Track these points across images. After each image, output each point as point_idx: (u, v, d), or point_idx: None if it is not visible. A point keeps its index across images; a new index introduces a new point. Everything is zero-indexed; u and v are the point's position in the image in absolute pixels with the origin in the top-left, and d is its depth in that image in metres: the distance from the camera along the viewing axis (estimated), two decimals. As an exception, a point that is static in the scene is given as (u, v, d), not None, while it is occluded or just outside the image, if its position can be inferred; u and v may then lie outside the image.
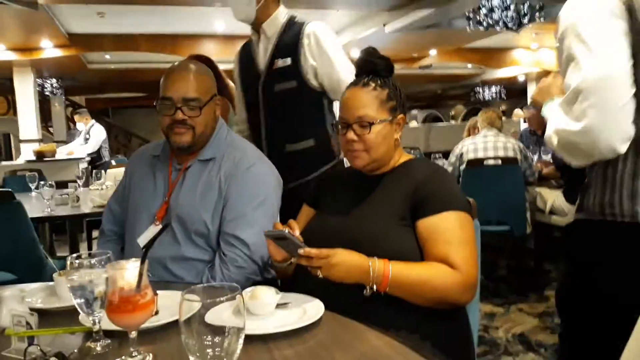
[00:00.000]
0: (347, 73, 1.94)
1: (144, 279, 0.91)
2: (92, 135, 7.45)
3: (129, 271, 0.91)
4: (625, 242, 1.11)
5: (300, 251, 1.15)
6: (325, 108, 2.10)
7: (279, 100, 2.04)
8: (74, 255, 1.00)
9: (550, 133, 1.14)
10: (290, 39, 2.02)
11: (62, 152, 6.99)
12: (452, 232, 1.24)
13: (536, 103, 1.31)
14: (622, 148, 1.03)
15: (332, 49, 2.01)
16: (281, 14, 2.08)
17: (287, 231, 1.18)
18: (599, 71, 1.02)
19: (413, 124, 11.16)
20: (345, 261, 1.15)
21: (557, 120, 1.10)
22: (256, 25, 2.07)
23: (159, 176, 1.64)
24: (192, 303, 0.72)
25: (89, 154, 7.30)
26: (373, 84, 1.35)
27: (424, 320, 1.22)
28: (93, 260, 0.99)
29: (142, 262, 0.91)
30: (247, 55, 2.15)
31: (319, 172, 2.03)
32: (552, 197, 3.91)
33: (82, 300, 0.96)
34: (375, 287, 1.16)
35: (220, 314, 0.80)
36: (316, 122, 2.09)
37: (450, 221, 1.25)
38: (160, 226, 1.56)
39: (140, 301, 0.89)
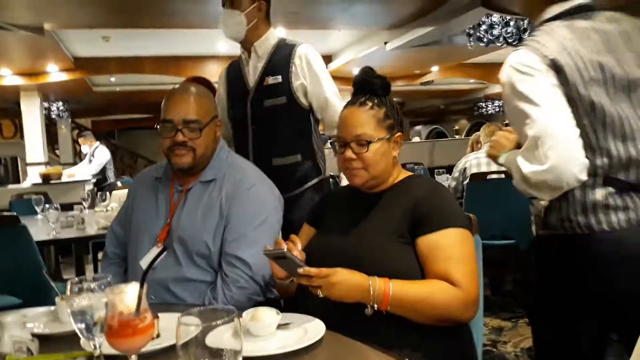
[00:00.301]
0: (333, 94, 2.11)
1: (143, 303, 0.91)
2: (95, 157, 7.50)
3: (129, 295, 0.92)
4: (584, 251, 1.29)
5: (300, 270, 1.15)
6: (312, 125, 2.17)
7: (268, 115, 2.09)
8: (75, 279, 1.00)
9: (519, 178, 1.31)
10: (282, 59, 2.09)
11: (65, 175, 7.04)
12: (452, 248, 1.24)
13: (492, 156, 1.48)
14: (584, 176, 1.23)
15: (322, 71, 2.10)
16: (272, 35, 2.15)
17: (286, 250, 1.17)
18: (549, 120, 1.23)
19: (416, 139, 11.16)
20: (345, 280, 1.15)
21: (523, 167, 1.27)
22: (247, 44, 2.14)
23: (161, 198, 1.65)
24: (189, 327, 0.72)
25: (93, 175, 7.34)
26: (370, 103, 1.36)
27: (426, 339, 1.21)
28: (93, 285, 0.99)
29: (141, 286, 0.91)
30: (235, 73, 2.21)
31: (303, 188, 2.09)
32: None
33: (83, 325, 0.96)
34: (376, 306, 1.16)
35: (221, 337, 0.81)
36: (303, 138, 2.14)
37: (450, 238, 1.25)
38: (162, 247, 1.57)
39: (139, 325, 0.88)
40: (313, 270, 1.14)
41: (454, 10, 4.64)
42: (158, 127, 1.58)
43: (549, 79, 1.25)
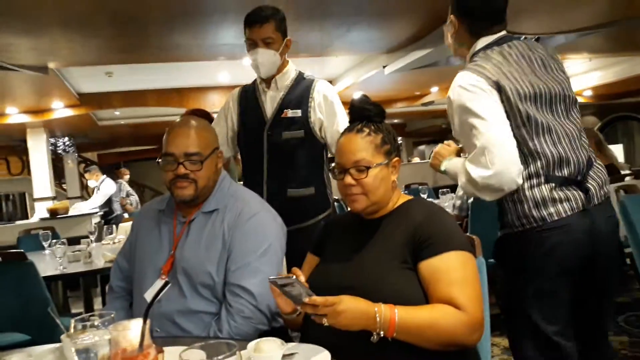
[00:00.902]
0: None
1: (147, 338, 0.92)
2: (100, 190, 7.56)
3: (132, 331, 0.93)
4: (541, 239, 1.51)
5: (306, 299, 1.15)
6: (325, 159, 2.22)
7: (285, 147, 2.13)
8: (78, 317, 1.02)
9: (465, 181, 1.56)
10: (301, 92, 2.16)
11: (74, 210, 7.12)
12: (454, 272, 1.24)
13: (434, 166, 1.76)
14: (520, 179, 1.50)
15: (338, 108, 2.16)
16: (292, 69, 2.22)
17: (294, 278, 1.16)
18: (494, 132, 1.47)
19: (416, 159, 11.15)
20: (351, 308, 1.14)
21: (472, 172, 1.51)
22: (269, 78, 2.19)
23: (164, 230, 1.67)
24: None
25: (100, 208, 7.38)
26: (367, 130, 1.39)
27: None
28: (97, 322, 1.01)
29: (144, 321, 0.92)
30: (251, 101, 2.24)
31: (315, 220, 2.12)
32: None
33: (87, 363, 0.97)
34: (382, 333, 1.15)
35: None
36: (317, 171, 2.19)
37: (452, 261, 1.25)
38: (166, 280, 1.58)
39: (143, 361, 0.90)
40: (319, 299, 1.13)
41: (449, 32, 4.71)
42: (160, 161, 1.61)
43: (493, 97, 1.50)
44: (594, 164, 1.62)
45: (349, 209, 1.47)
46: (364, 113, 1.42)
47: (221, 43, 4.85)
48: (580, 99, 10.13)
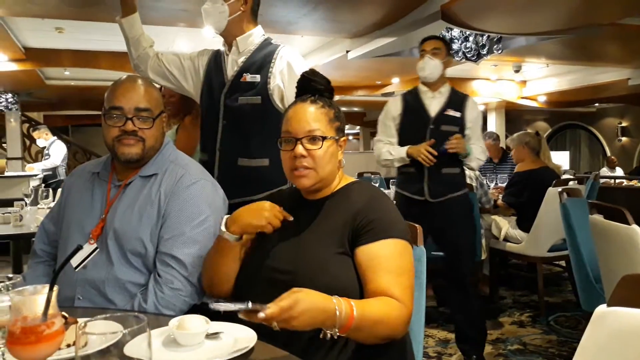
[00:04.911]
0: None
1: (53, 307, 0.84)
2: (52, 153, 7.22)
3: (39, 298, 0.84)
4: None
5: (261, 315, 0.98)
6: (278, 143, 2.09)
7: (241, 112, 2.02)
8: (-21, 279, 0.92)
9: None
10: (262, 57, 2.04)
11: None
12: (392, 260, 1.20)
13: (462, 149, 2.70)
14: None
15: None
16: (258, 34, 2.11)
17: (250, 306, 0.98)
18: None
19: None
20: (310, 308, 1.02)
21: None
22: (229, 38, 2.09)
23: (97, 192, 1.56)
24: (91, 336, 0.66)
25: (43, 171, 7.06)
26: (322, 102, 1.34)
27: (373, 355, 1.18)
28: (0, 286, 0.91)
29: (51, 288, 0.83)
30: (216, 63, 2.14)
31: (264, 194, 1.97)
32: (507, 225, 3.96)
33: (-14, 330, 0.87)
34: (337, 330, 1.05)
35: (139, 346, 0.75)
36: (274, 144, 2.05)
37: (390, 249, 1.21)
38: (95, 245, 1.48)
39: (45, 332, 0.81)
40: (275, 312, 0.98)
41: (415, 21, 4.68)
42: (103, 115, 1.50)
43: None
44: None
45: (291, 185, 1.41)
46: (315, 86, 1.37)
47: (180, 8, 4.65)
48: (534, 104, 10.41)
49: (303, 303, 1.00)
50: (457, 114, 2.79)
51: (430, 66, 2.77)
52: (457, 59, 5.55)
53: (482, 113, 2.96)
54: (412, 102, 2.87)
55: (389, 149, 2.85)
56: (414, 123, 2.84)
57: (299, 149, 1.29)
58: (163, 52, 2.25)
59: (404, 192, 2.87)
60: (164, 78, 2.22)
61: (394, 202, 3.00)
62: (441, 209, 2.76)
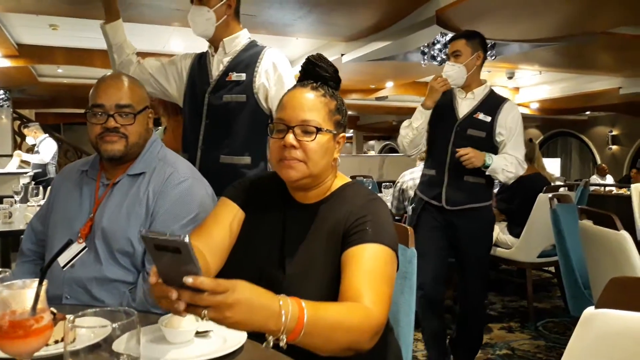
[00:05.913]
0: None
1: (42, 301, 0.83)
2: (41, 150, 7.17)
3: (28, 292, 0.83)
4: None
5: (189, 280, 0.77)
6: (268, 130, 2.09)
7: (224, 110, 2.03)
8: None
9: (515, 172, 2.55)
10: (249, 57, 2.05)
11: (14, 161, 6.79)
12: (374, 263, 1.09)
13: (478, 161, 2.46)
14: None
15: (287, 78, 2.04)
16: (244, 35, 2.11)
17: (188, 240, 0.75)
18: None
19: (372, 153, 11.29)
20: (247, 300, 0.83)
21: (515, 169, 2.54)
22: (215, 42, 2.09)
23: (86, 191, 1.55)
24: (80, 330, 0.66)
25: (33, 168, 7.00)
26: (323, 91, 1.20)
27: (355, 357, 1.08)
28: (-13, 280, 0.90)
29: (40, 283, 0.83)
30: (200, 64, 2.15)
31: None
32: (497, 230, 3.98)
33: (-28, 324, 0.86)
34: (284, 336, 0.88)
35: (128, 342, 0.74)
36: (257, 142, 2.06)
37: (376, 253, 1.11)
38: (83, 244, 1.48)
39: (33, 326, 0.80)
40: (207, 283, 0.78)
41: (410, 26, 4.71)
42: (87, 113, 1.49)
43: None
44: None
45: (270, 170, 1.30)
46: (319, 72, 1.22)
47: (175, 7, 4.65)
48: (526, 111, 10.49)
49: (241, 292, 0.82)
50: (487, 119, 2.59)
51: (452, 73, 2.57)
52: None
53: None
54: (444, 100, 2.66)
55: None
56: (441, 122, 2.66)
57: (289, 138, 1.14)
58: (145, 58, 2.27)
59: (423, 195, 2.69)
60: (147, 84, 2.21)
61: (411, 205, 2.98)
62: (458, 218, 2.56)
